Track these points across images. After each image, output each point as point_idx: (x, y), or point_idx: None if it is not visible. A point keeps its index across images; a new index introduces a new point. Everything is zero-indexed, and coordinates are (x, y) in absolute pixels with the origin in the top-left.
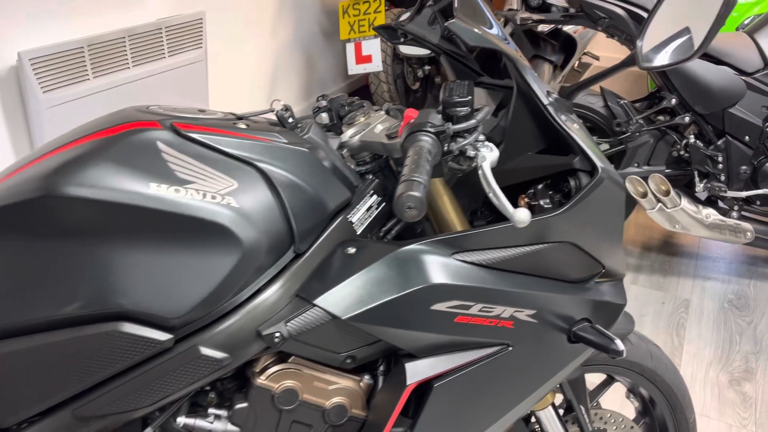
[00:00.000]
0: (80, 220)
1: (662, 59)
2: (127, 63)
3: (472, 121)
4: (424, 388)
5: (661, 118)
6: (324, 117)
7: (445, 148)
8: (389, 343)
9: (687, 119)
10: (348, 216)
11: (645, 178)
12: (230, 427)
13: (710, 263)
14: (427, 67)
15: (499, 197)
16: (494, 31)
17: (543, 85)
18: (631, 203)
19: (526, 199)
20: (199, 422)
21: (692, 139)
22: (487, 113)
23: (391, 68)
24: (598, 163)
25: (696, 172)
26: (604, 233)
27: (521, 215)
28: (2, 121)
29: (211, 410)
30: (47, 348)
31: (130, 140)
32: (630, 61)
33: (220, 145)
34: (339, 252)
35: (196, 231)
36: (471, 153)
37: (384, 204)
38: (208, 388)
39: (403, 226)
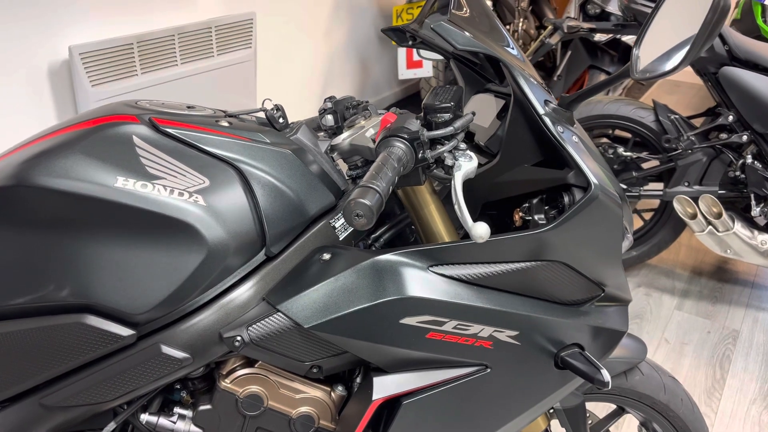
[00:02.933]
0: (49, 211)
1: (655, 69)
2: (176, 60)
3: (449, 129)
4: (395, 404)
5: (719, 135)
6: (329, 119)
7: (420, 155)
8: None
9: (745, 138)
10: (331, 221)
11: (696, 199)
12: (193, 428)
13: (766, 293)
14: None
15: (462, 209)
16: (513, 52)
17: (542, 94)
18: (680, 224)
19: (521, 214)
20: (163, 421)
21: (750, 160)
22: (467, 121)
23: (443, 74)
24: (593, 179)
25: (753, 195)
26: (599, 254)
27: (479, 230)
28: (53, 113)
29: (176, 409)
30: (14, 336)
31: (105, 133)
32: (626, 72)
33: (197, 142)
34: (313, 257)
35: (161, 227)
36: (449, 161)
37: None
38: (178, 386)
39: (393, 234)
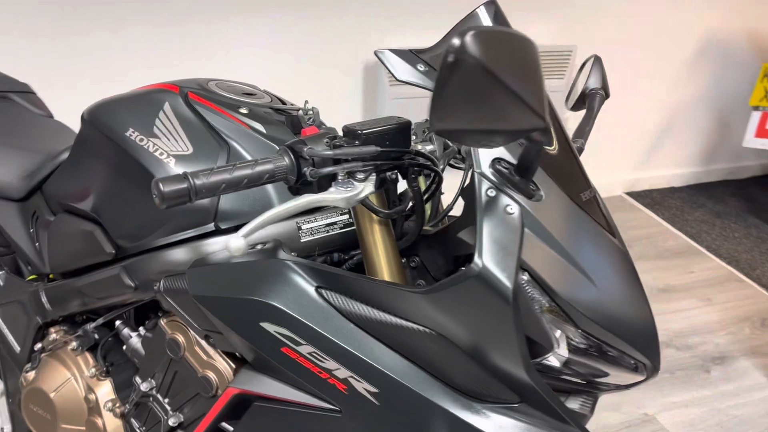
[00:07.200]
0: (94, 139)
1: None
2: None
3: (328, 152)
4: (250, 402)
5: None
6: None
7: (302, 171)
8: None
9: None
10: (299, 220)
11: None
12: (139, 348)
13: None
14: None
15: (256, 219)
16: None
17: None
18: None
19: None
20: (126, 331)
21: None
22: (356, 152)
23: None
24: (477, 259)
25: None
26: (493, 348)
27: (232, 242)
28: (360, 102)
29: (141, 328)
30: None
31: (151, 95)
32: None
33: (207, 117)
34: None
35: (138, 173)
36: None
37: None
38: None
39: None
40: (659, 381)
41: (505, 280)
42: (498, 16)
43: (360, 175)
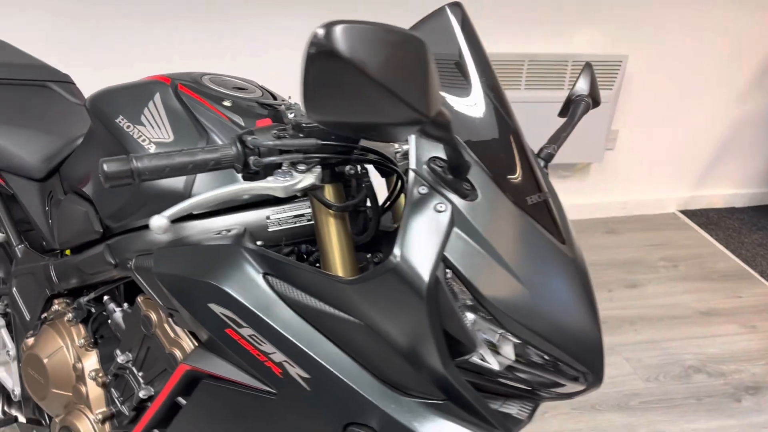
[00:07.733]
0: (95, 127)
1: None
2: (520, 85)
3: (268, 142)
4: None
5: None
6: None
7: (247, 160)
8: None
9: None
10: (266, 210)
11: None
12: (121, 323)
13: None
14: None
15: (185, 201)
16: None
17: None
18: None
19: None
20: (112, 306)
21: None
22: (296, 144)
23: None
24: (397, 249)
25: None
26: (409, 339)
27: (153, 220)
28: None
29: (125, 304)
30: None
31: (145, 86)
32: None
33: (192, 109)
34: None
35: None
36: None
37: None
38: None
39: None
40: (682, 405)
41: (422, 274)
42: (464, 18)
43: (302, 167)
